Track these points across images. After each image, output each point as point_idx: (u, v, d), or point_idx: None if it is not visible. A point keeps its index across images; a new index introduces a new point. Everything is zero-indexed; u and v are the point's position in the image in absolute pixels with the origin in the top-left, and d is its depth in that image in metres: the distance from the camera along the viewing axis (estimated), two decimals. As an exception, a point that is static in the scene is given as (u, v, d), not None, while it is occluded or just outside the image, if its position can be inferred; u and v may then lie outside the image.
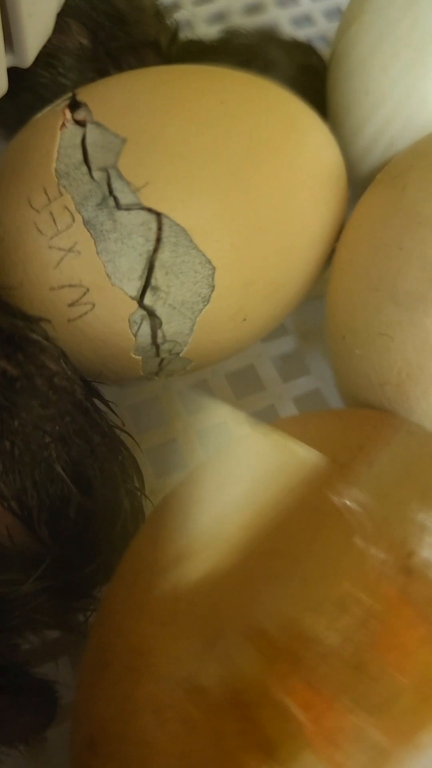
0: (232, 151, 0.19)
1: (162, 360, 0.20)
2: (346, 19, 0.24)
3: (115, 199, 0.18)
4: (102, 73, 0.24)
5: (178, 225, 0.18)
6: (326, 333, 0.21)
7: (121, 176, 0.18)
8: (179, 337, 0.19)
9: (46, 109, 0.20)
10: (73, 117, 0.19)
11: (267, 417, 0.23)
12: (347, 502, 0.14)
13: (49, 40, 0.21)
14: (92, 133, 0.19)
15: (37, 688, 0.17)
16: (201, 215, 0.18)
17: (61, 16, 0.22)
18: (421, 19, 0.22)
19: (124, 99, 0.19)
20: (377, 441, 0.16)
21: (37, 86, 0.24)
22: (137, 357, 0.19)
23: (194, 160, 0.19)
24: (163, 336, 0.19)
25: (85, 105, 0.19)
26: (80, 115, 0.19)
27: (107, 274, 0.18)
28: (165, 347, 0.19)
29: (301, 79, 0.25)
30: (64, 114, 0.19)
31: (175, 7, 0.30)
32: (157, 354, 0.19)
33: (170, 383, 0.24)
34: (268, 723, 0.13)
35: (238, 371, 0.24)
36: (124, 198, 0.18)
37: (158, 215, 0.18)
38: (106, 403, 0.18)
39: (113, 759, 0.13)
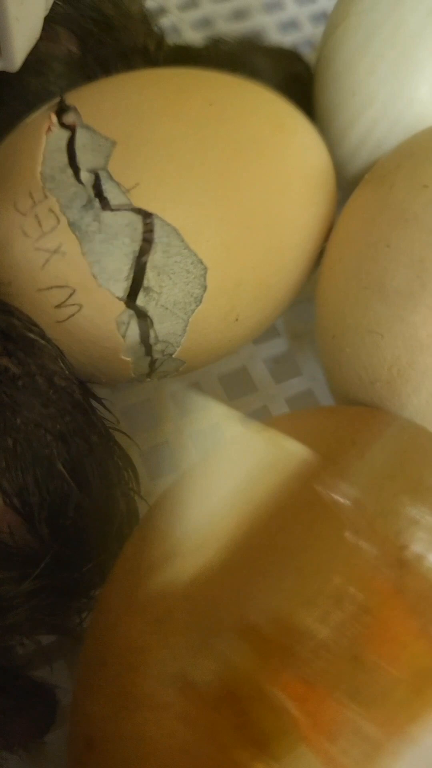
0: (221, 151, 0.19)
1: (154, 361, 0.20)
2: (331, 22, 0.24)
3: (101, 200, 0.18)
4: (91, 79, 0.24)
5: (169, 225, 0.18)
6: (316, 332, 0.21)
7: (111, 178, 0.18)
8: (172, 338, 0.19)
9: (35, 114, 0.20)
10: (59, 121, 0.19)
11: (260, 418, 0.23)
12: (339, 498, 0.14)
13: (38, 48, 0.21)
14: (82, 137, 0.19)
15: (37, 691, 0.17)
16: (191, 215, 0.19)
17: (50, 24, 0.22)
18: (405, 20, 0.22)
19: (113, 102, 0.20)
20: (368, 436, 0.16)
21: (27, 94, 0.24)
22: (127, 358, 0.19)
23: (183, 161, 0.19)
24: (156, 336, 0.19)
25: (74, 108, 0.19)
26: (69, 118, 0.19)
27: (93, 275, 0.18)
28: (158, 348, 0.19)
29: (287, 86, 0.26)
30: (50, 118, 0.19)
31: (162, 12, 0.31)
32: (149, 354, 0.19)
33: (162, 385, 0.24)
34: (262, 718, 0.13)
35: (230, 373, 0.25)
36: (115, 199, 0.18)
37: (148, 216, 0.18)
38: (101, 403, 0.18)
39: (110, 757, 0.13)
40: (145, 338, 0.19)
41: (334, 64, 0.24)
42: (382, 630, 0.13)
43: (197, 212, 0.19)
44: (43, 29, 0.21)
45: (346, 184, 0.24)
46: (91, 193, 0.18)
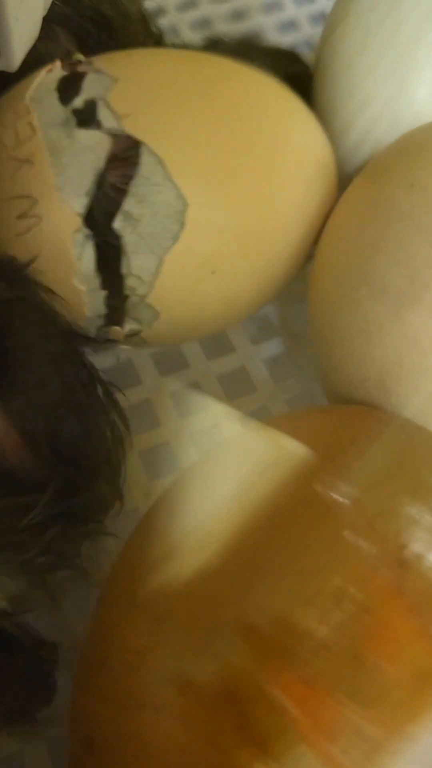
0: (222, 99, 0.20)
1: (125, 299, 0.20)
2: (330, 22, 0.24)
3: (78, 118, 0.19)
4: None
5: (155, 155, 0.19)
6: (309, 332, 0.21)
7: (107, 105, 0.19)
8: (144, 274, 0.19)
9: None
10: (64, 63, 0.20)
11: (260, 418, 0.23)
12: (338, 497, 0.14)
13: (36, 48, 0.21)
14: (89, 77, 0.19)
15: (37, 647, 0.17)
16: (181, 151, 0.19)
17: (48, 24, 0.22)
18: (404, 20, 0.22)
19: (123, 59, 0.21)
20: (367, 436, 0.16)
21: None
22: (80, 287, 0.19)
23: (182, 105, 0.20)
24: (129, 267, 0.19)
25: (90, 61, 0.20)
26: (82, 67, 0.20)
27: (56, 187, 0.18)
28: (129, 283, 0.19)
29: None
30: (55, 63, 0.20)
31: (160, 12, 0.31)
32: (118, 290, 0.19)
33: (162, 385, 0.24)
34: (262, 718, 0.13)
35: (229, 373, 0.25)
36: (108, 124, 0.19)
37: (136, 143, 0.19)
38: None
39: (110, 757, 0.13)
40: (114, 268, 0.19)
41: (332, 64, 0.24)
42: (382, 629, 0.13)
43: (187, 149, 0.19)
44: (42, 29, 0.21)
45: (345, 182, 0.24)
46: (70, 113, 0.19)
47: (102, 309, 0.20)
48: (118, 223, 0.19)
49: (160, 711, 0.13)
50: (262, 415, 0.24)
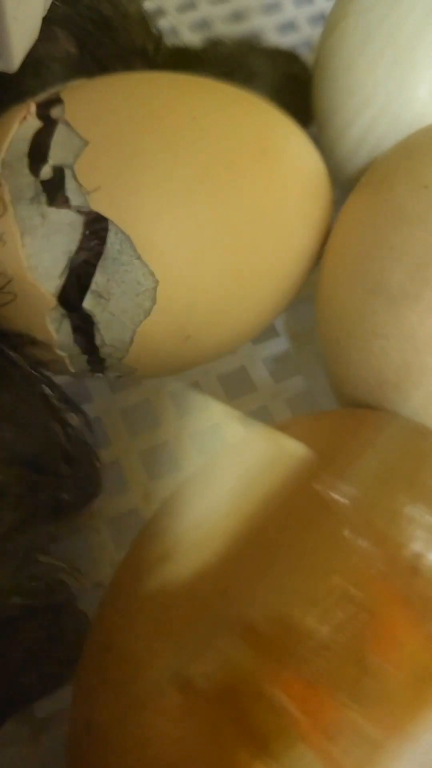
0: (198, 166, 0.19)
1: (103, 360, 0.20)
2: (330, 22, 0.24)
3: (54, 196, 0.18)
4: (89, 80, 0.24)
5: (123, 233, 0.18)
6: (319, 337, 0.21)
7: (74, 177, 0.18)
8: (118, 344, 0.19)
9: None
10: (39, 112, 0.19)
11: (260, 418, 0.23)
12: (336, 496, 0.14)
13: (36, 49, 0.21)
14: (59, 132, 0.19)
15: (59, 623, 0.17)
16: (150, 228, 0.18)
17: (47, 24, 0.22)
18: (403, 20, 0.22)
19: (99, 103, 0.20)
20: (367, 435, 0.16)
21: (24, 95, 0.24)
22: (62, 353, 0.19)
23: (154, 173, 0.19)
24: (102, 340, 0.19)
25: (62, 103, 0.19)
26: (54, 112, 0.19)
27: (29, 269, 0.18)
28: (105, 351, 0.19)
29: (285, 87, 0.26)
30: (29, 107, 0.19)
31: (160, 13, 0.31)
32: (94, 354, 0.19)
33: (162, 385, 0.24)
34: (261, 717, 0.13)
35: (229, 373, 0.25)
36: (75, 199, 0.18)
37: (103, 220, 0.18)
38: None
39: (111, 758, 0.13)
40: (89, 341, 0.19)
41: (332, 64, 0.24)
42: (382, 629, 0.13)
43: (157, 226, 0.19)
44: (42, 30, 0.21)
45: (345, 184, 0.24)
46: (40, 187, 0.18)
47: (85, 366, 0.20)
48: (87, 303, 0.18)
49: (160, 710, 0.13)
50: (262, 415, 0.24)
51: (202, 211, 0.19)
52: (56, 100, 0.20)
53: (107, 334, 0.19)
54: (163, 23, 0.31)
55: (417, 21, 0.22)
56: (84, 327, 0.19)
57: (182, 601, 0.13)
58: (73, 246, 0.18)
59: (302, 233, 0.21)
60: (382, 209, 0.19)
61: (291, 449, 0.14)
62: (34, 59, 0.21)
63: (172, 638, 0.13)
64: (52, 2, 0.21)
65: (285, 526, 0.13)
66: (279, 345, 0.25)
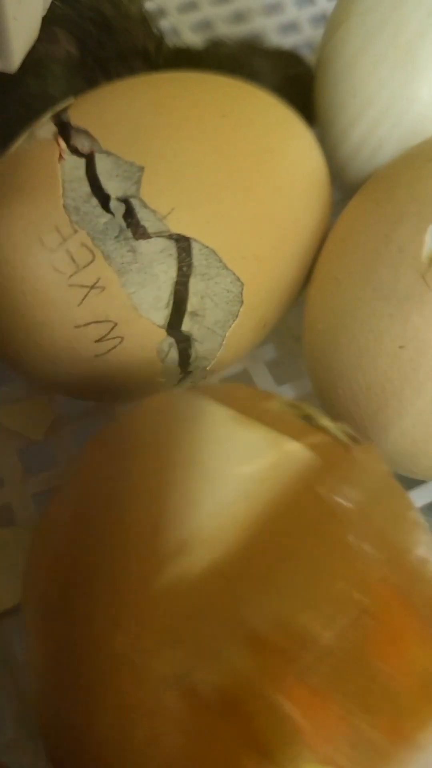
0: (239, 165, 0.19)
1: (190, 373, 0.20)
2: (332, 22, 0.24)
3: (134, 228, 0.18)
4: (91, 81, 0.24)
5: (207, 247, 0.18)
6: (307, 345, 0.21)
7: (145, 205, 0.18)
8: (209, 354, 0.19)
9: (32, 129, 0.19)
10: (68, 146, 0.18)
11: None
12: (342, 501, 0.14)
13: (36, 49, 0.21)
14: (103, 163, 0.18)
15: None
16: (225, 234, 0.18)
17: (48, 25, 0.22)
18: (406, 20, 0.22)
19: (128, 120, 0.19)
20: (371, 439, 0.16)
21: (25, 95, 0.24)
22: (161, 379, 0.19)
23: (209, 181, 0.19)
24: (196, 356, 0.19)
25: (87, 132, 0.18)
26: (81, 143, 0.18)
27: (134, 307, 0.18)
28: (195, 364, 0.19)
29: (286, 88, 0.26)
30: (59, 144, 0.18)
31: (161, 14, 0.30)
32: (185, 372, 0.19)
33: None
34: (265, 725, 0.12)
35: (232, 375, 0.24)
36: (152, 227, 0.18)
37: (186, 240, 0.18)
38: None
39: (109, 751, 0.13)
40: (184, 359, 0.19)
41: (334, 64, 0.23)
42: (388, 635, 0.13)
43: (230, 230, 0.18)
44: (42, 31, 0.20)
45: (347, 184, 0.24)
46: (122, 222, 0.18)
47: (174, 383, 0.20)
48: (186, 324, 0.18)
49: (162, 717, 0.13)
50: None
51: (255, 203, 0.19)
52: (65, 127, 0.19)
53: (201, 347, 0.19)
54: (165, 24, 0.31)
55: (420, 22, 0.22)
56: (184, 348, 0.19)
57: (185, 608, 0.13)
58: (173, 272, 0.18)
59: (302, 236, 0.21)
60: (385, 213, 0.19)
61: (293, 452, 0.14)
62: (34, 59, 0.21)
63: (174, 645, 0.13)
64: (52, 2, 0.21)
65: (288, 531, 0.13)
66: (281, 347, 0.25)
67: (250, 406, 0.15)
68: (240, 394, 0.16)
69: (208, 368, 0.20)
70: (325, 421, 0.15)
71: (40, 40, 0.21)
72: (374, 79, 0.23)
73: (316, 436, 0.15)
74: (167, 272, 0.18)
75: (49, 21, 0.21)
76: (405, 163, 0.20)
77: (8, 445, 0.23)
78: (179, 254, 0.18)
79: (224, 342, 0.19)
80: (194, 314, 0.18)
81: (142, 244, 0.18)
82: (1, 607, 0.20)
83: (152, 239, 0.18)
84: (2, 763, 0.15)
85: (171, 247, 0.18)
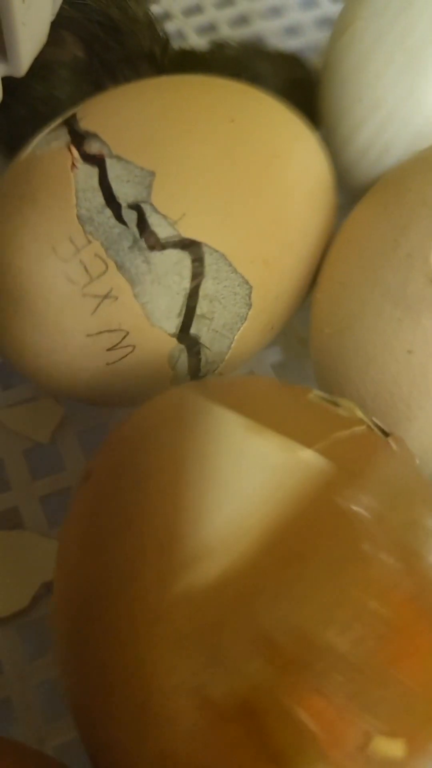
0: (248, 170, 0.19)
1: (200, 376, 0.20)
2: (338, 26, 0.24)
3: (147, 237, 0.18)
4: (97, 85, 0.24)
5: (217, 252, 0.18)
6: (314, 348, 0.21)
7: (156, 211, 0.18)
8: (218, 357, 0.19)
9: (44, 136, 0.19)
10: (81, 152, 0.18)
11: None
12: (357, 509, 0.14)
13: (44, 53, 0.21)
14: (114, 168, 0.18)
15: None
16: (234, 238, 0.18)
17: (56, 29, 0.22)
18: (413, 24, 0.22)
19: (138, 125, 0.19)
20: (385, 447, 0.16)
21: (32, 100, 0.24)
22: (171, 384, 0.19)
23: (219, 185, 0.19)
24: (206, 360, 0.19)
25: (97, 136, 0.18)
26: (92, 148, 0.18)
27: (146, 316, 0.18)
28: (205, 367, 0.19)
29: (288, 91, 0.26)
30: (71, 153, 0.18)
31: (167, 17, 0.30)
32: (194, 376, 0.19)
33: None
34: (280, 734, 0.12)
35: (237, 379, 0.24)
36: (163, 233, 0.18)
37: (198, 246, 0.18)
38: None
39: (125, 762, 0.13)
40: (194, 365, 0.19)
41: (340, 68, 0.23)
42: (404, 644, 0.13)
43: (239, 234, 0.19)
44: (49, 34, 0.20)
45: (352, 188, 0.24)
46: (136, 232, 0.18)
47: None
48: (194, 327, 0.18)
49: (175, 725, 0.13)
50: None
51: (265, 207, 0.19)
52: (78, 135, 0.19)
53: (210, 351, 0.19)
54: (170, 27, 0.31)
55: (427, 25, 0.22)
56: (194, 354, 0.19)
57: (200, 615, 0.13)
58: (186, 282, 0.18)
59: (308, 239, 0.21)
60: (393, 216, 0.19)
61: (308, 460, 0.14)
62: (41, 63, 0.21)
63: (189, 653, 0.13)
64: (61, 6, 0.21)
65: (303, 539, 0.13)
66: (286, 350, 0.25)
67: (288, 399, 0.15)
68: (272, 389, 0.16)
69: (216, 371, 0.20)
70: (360, 413, 0.15)
71: (47, 43, 0.21)
72: (381, 82, 0.22)
73: (356, 425, 0.15)
74: (180, 283, 0.18)
75: (56, 24, 0.21)
76: (414, 167, 0.20)
77: (15, 447, 0.23)
78: (192, 264, 0.18)
79: (232, 345, 0.19)
80: (203, 317, 0.18)
81: (157, 255, 0.18)
82: (11, 609, 0.20)
83: (167, 250, 0.18)
84: (61, 764, 0.15)
85: (185, 258, 0.18)
